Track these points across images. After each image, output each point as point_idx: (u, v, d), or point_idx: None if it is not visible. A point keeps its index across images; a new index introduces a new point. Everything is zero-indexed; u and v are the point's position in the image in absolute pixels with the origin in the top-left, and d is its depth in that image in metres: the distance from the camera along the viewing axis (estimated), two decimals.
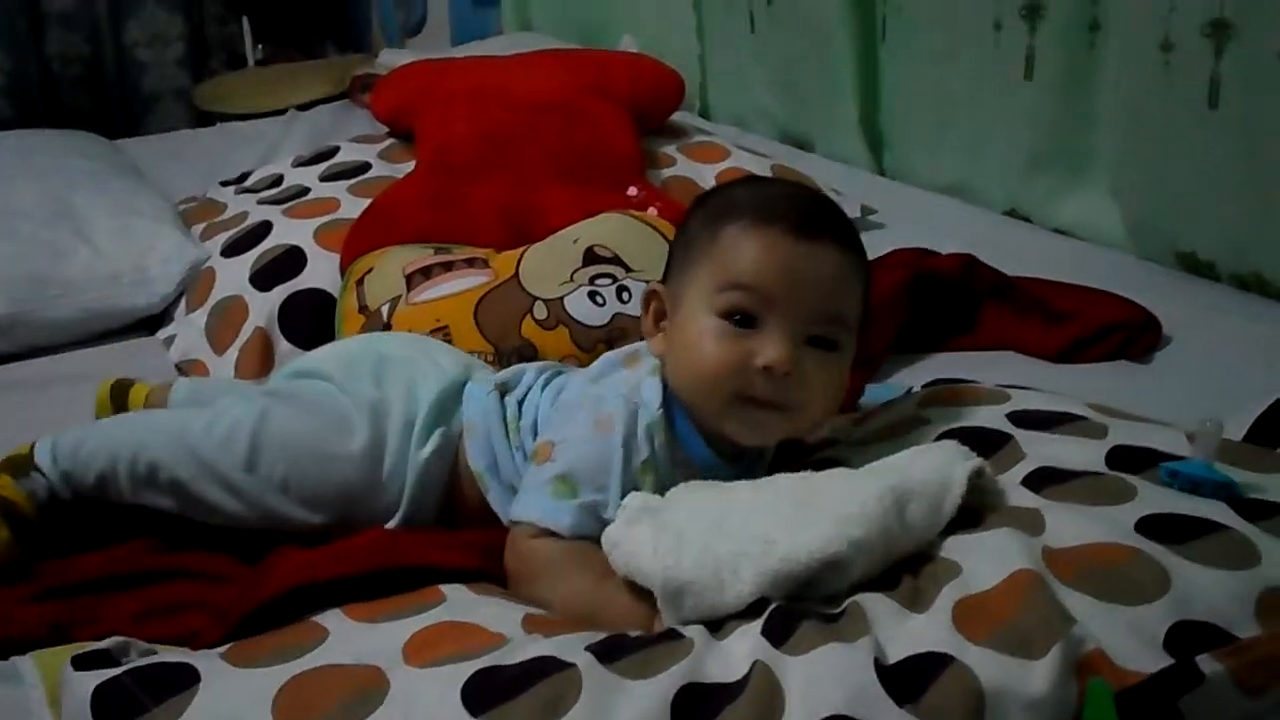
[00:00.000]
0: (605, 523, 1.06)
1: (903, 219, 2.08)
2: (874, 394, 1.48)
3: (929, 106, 2.25)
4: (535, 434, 1.18)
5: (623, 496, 1.07)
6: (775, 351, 1.06)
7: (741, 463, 1.15)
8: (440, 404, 1.24)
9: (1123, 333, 1.59)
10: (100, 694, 0.93)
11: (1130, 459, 1.07)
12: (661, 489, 1.08)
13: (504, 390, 1.24)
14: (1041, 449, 1.09)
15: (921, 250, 1.75)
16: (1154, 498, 1.00)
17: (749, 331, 1.08)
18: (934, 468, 0.99)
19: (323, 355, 1.35)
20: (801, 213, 1.10)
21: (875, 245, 1.88)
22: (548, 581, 1.05)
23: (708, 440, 1.13)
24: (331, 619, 1.02)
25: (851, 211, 2.04)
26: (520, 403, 1.22)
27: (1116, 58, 1.86)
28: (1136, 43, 1.79)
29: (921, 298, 1.64)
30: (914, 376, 1.56)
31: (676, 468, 1.11)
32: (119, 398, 1.44)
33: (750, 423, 1.10)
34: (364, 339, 1.38)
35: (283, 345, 1.67)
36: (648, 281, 1.37)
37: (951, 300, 1.66)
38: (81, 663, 0.98)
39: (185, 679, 0.94)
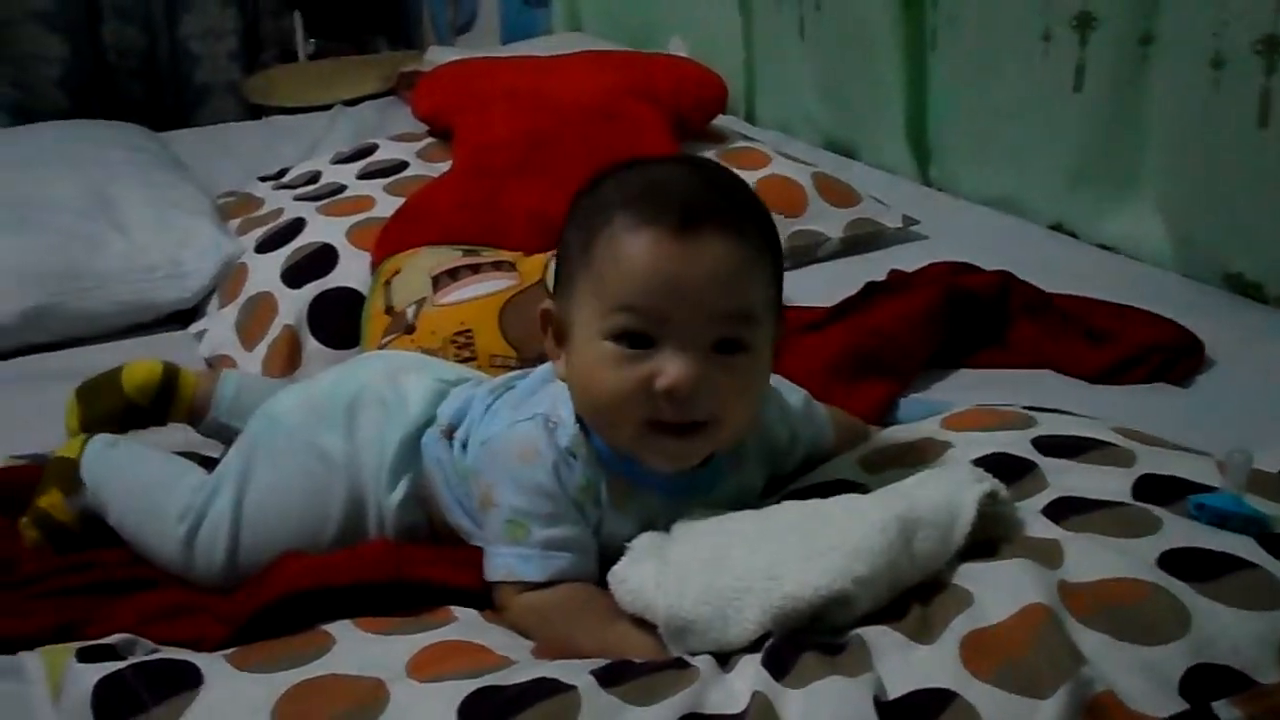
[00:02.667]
0: (579, 556, 1.03)
1: (946, 231, 2.05)
2: (907, 410, 1.46)
3: (976, 117, 2.21)
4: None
5: (577, 521, 1.03)
6: (676, 370, 0.96)
7: (703, 470, 1.07)
8: (403, 450, 1.17)
9: (1163, 354, 1.55)
10: (102, 688, 0.93)
11: (1157, 489, 1.04)
12: (610, 507, 1.04)
13: (451, 432, 1.16)
14: (1065, 478, 1.06)
15: (959, 264, 1.72)
16: (1179, 531, 0.97)
17: (645, 352, 0.98)
18: (943, 494, 0.96)
19: (295, 401, 1.26)
20: (681, 206, 0.97)
21: (917, 257, 1.88)
22: (548, 633, 1.01)
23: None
24: (339, 629, 1.01)
25: (893, 222, 2.03)
26: (464, 444, 1.14)
27: (1167, 72, 1.82)
28: (1187, 58, 1.75)
29: (956, 312, 1.61)
30: (946, 391, 1.53)
31: (615, 485, 1.05)
32: (169, 382, 1.40)
33: (665, 452, 1.01)
34: (335, 376, 1.28)
35: (310, 344, 1.67)
36: None
37: (985, 316, 1.63)
38: (86, 656, 0.98)
39: (188, 679, 0.94)
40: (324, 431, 1.20)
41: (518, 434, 1.07)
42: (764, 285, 1.02)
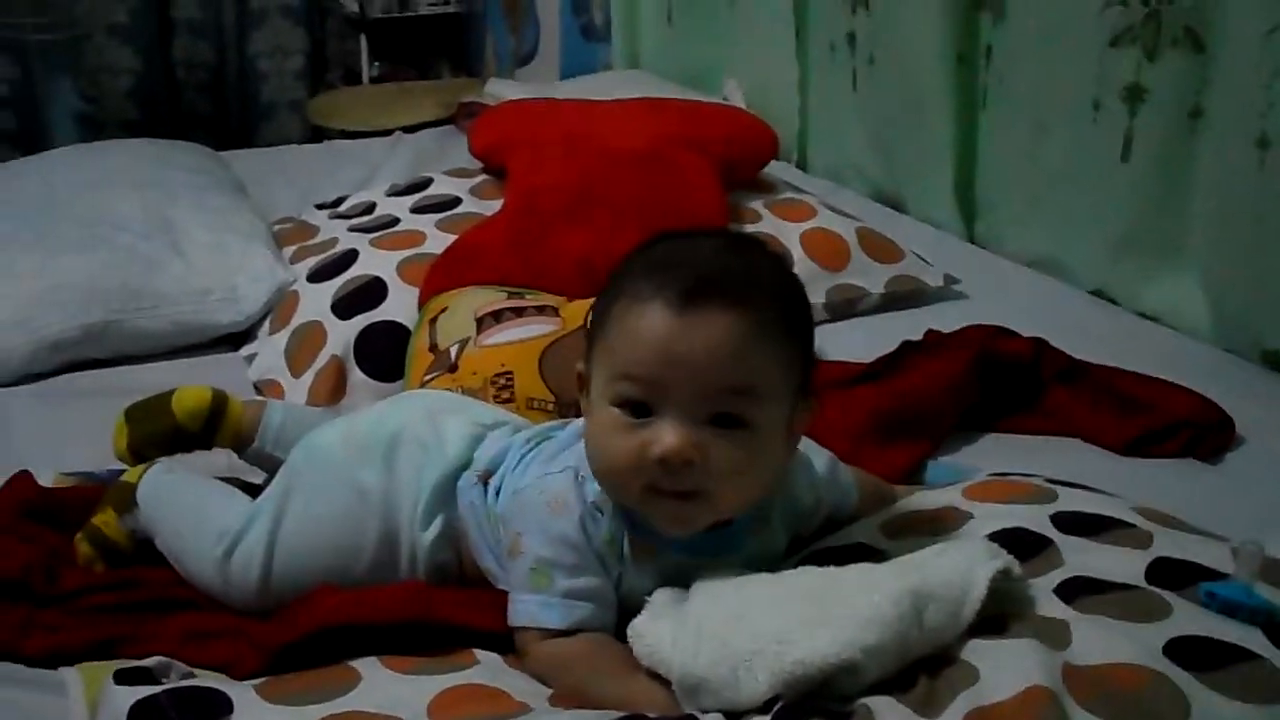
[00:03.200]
0: (600, 608, 1.06)
1: (987, 291, 2.07)
2: (934, 472, 1.48)
3: (1025, 178, 2.23)
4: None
5: (600, 573, 1.06)
6: (670, 441, 0.99)
7: (725, 530, 1.09)
8: (439, 491, 1.20)
9: (1193, 430, 1.56)
10: (137, 711, 0.97)
11: (1171, 574, 1.05)
12: (631, 563, 1.07)
13: (486, 477, 1.20)
14: (1080, 557, 1.07)
15: (994, 329, 1.73)
16: (1188, 619, 0.98)
17: (645, 420, 1.01)
18: (957, 569, 0.98)
19: (336, 437, 1.29)
20: (686, 281, 0.99)
21: (957, 316, 1.90)
22: (566, 681, 1.03)
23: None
24: (366, 665, 1.05)
25: (934, 280, 2.05)
26: (498, 491, 1.17)
27: (1214, 147, 1.83)
28: (1235, 135, 1.76)
29: (988, 376, 1.63)
30: (975, 455, 1.55)
31: (638, 544, 1.08)
32: (218, 409, 1.44)
33: (667, 515, 1.03)
34: (376, 414, 1.32)
35: (356, 375, 1.71)
36: None
37: (1018, 381, 1.64)
38: (123, 678, 1.02)
39: (219, 707, 0.97)
40: (363, 467, 1.23)
41: (548, 485, 1.10)
42: (774, 363, 1.02)
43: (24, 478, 1.41)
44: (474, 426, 1.26)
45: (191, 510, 1.30)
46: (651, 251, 1.07)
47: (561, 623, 1.05)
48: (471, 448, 1.23)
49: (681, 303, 0.99)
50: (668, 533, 1.06)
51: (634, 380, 1.01)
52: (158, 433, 1.43)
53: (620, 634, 1.05)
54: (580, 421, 1.15)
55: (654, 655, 0.99)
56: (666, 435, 1.00)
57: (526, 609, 1.07)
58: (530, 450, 1.19)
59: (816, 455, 1.22)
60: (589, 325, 1.10)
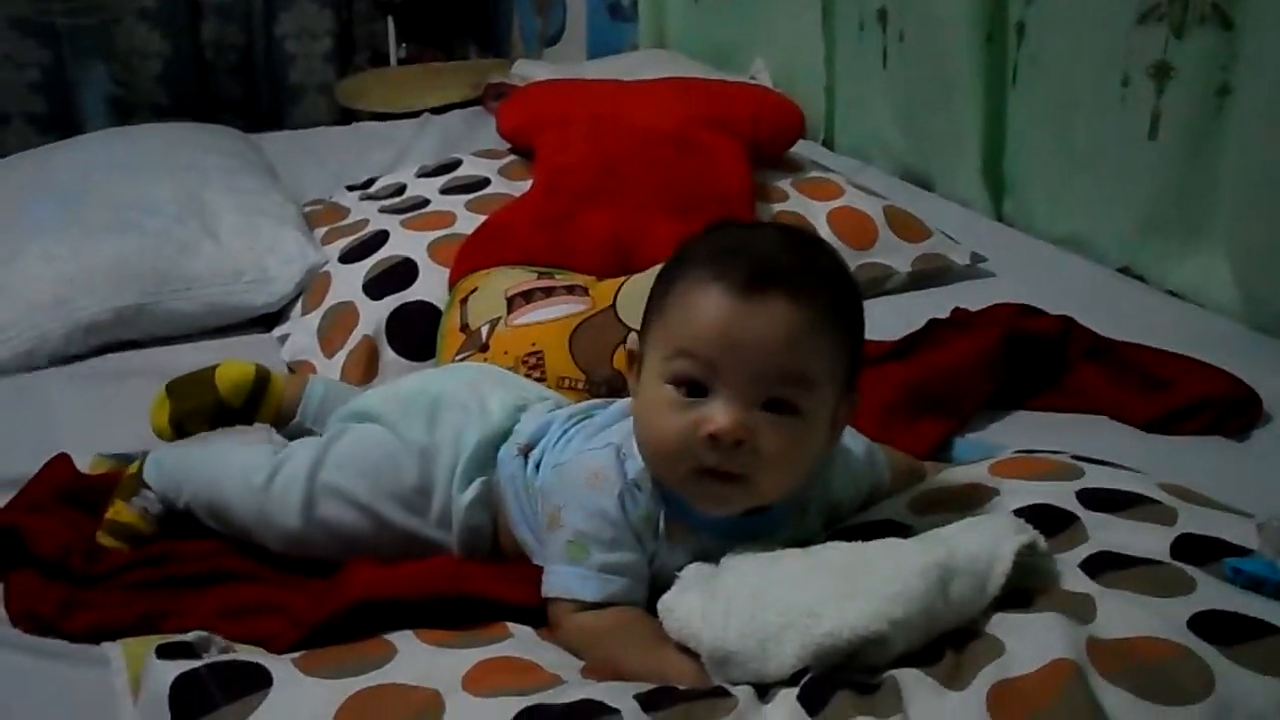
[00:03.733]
0: (633, 582, 1.08)
1: (1014, 269, 2.07)
2: (962, 450, 1.49)
3: (1053, 156, 2.23)
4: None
5: (635, 549, 1.08)
6: (722, 420, 1.01)
7: (762, 515, 1.10)
8: (479, 452, 1.23)
9: (1219, 407, 1.56)
10: (179, 684, 0.99)
11: (1196, 549, 1.06)
12: (666, 541, 1.09)
13: (527, 450, 1.22)
14: (1106, 532, 1.08)
15: (1022, 307, 1.74)
16: (1212, 593, 0.99)
17: (699, 400, 1.03)
18: (982, 543, 0.99)
19: (380, 397, 1.35)
20: (751, 268, 1.02)
21: (984, 294, 1.90)
22: (598, 654, 1.05)
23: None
24: (402, 639, 1.06)
25: (962, 259, 2.05)
26: (538, 465, 1.20)
27: (1242, 124, 1.83)
28: (1262, 112, 1.76)
29: (1016, 354, 1.63)
30: (1002, 432, 1.56)
31: (674, 523, 1.10)
32: (260, 384, 1.47)
33: (708, 495, 1.05)
34: (420, 379, 1.37)
35: (388, 355, 1.73)
36: None
37: (1045, 359, 1.65)
38: (165, 652, 1.04)
39: (259, 680, 0.99)
40: (405, 423, 1.27)
41: (589, 460, 1.12)
42: (827, 354, 1.04)
43: (62, 460, 1.44)
44: (516, 398, 1.29)
45: (220, 456, 1.33)
46: (714, 238, 1.09)
47: (596, 595, 1.07)
48: (513, 417, 1.26)
49: (746, 288, 1.02)
50: (705, 512, 1.08)
51: (692, 357, 1.03)
52: (201, 407, 1.45)
53: (652, 609, 1.07)
54: (624, 401, 1.18)
55: (684, 629, 1.01)
56: (719, 414, 1.02)
57: (562, 580, 1.09)
58: (572, 426, 1.21)
59: (855, 441, 1.23)
60: (646, 308, 1.12)
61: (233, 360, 1.50)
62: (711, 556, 1.09)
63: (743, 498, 1.06)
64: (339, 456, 1.26)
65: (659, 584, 1.09)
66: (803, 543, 1.11)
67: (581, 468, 1.12)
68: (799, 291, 1.03)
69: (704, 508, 1.07)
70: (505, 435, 1.25)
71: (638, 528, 1.09)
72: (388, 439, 1.26)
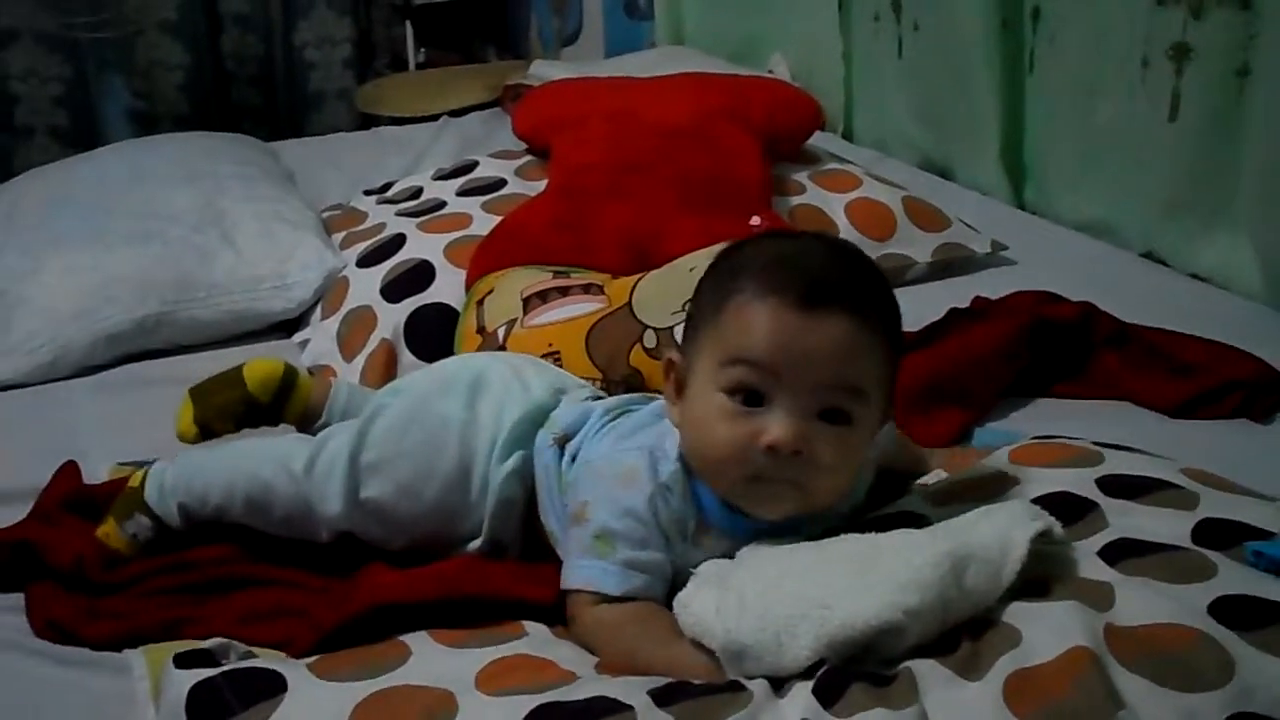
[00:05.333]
0: (655, 580, 1.08)
1: (1036, 256, 2.06)
2: (981, 438, 1.48)
3: (1073, 141, 2.21)
4: None
5: (662, 549, 1.08)
6: (781, 431, 1.03)
7: (790, 521, 1.10)
8: (520, 427, 1.24)
9: (1244, 390, 1.55)
10: (196, 692, 0.99)
11: (1217, 533, 1.05)
12: (692, 545, 1.09)
13: (564, 441, 1.22)
14: (1125, 519, 1.07)
15: (1042, 294, 1.72)
16: (1233, 578, 0.98)
17: (756, 410, 1.04)
18: (996, 531, 0.99)
19: (421, 375, 1.37)
20: (809, 281, 1.05)
21: (1005, 282, 1.89)
22: (614, 647, 1.05)
23: (730, 505, 1.10)
24: (416, 640, 1.06)
25: (982, 247, 2.04)
26: (574, 457, 1.20)
27: (1263, 105, 1.81)
28: None
29: (1037, 342, 1.62)
30: (1025, 420, 1.55)
31: (697, 525, 1.10)
32: (288, 382, 1.45)
33: (763, 498, 1.07)
34: (461, 360, 1.39)
35: (406, 357, 1.73)
36: None
37: (1067, 346, 1.64)
38: (183, 661, 1.05)
39: (274, 686, 0.99)
40: (444, 399, 1.27)
41: (622, 460, 1.13)
42: (878, 365, 1.07)
43: (69, 469, 1.45)
44: (558, 379, 1.32)
45: (252, 451, 1.33)
46: (765, 249, 1.11)
47: (618, 589, 1.07)
48: (555, 398, 1.27)
49: (808, 300, 1.04)
50: (760, 515, 1.08)
51: (751, 365, 1.04)
52: (228, 404, 1.43)
53: (668, 605, 1.06)
54: (660, 402, 1.18)
55: (699, 624, 1.01)
56: (778, 425, 1.03)
57: (584, 573, 1.09)
58: (608, 422, 1.21)
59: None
60: (691, 318, 1.13)
61: (260, 358, 1.49)
62: (726, 554, 1.09)
63: (796, 501, 1.07)
64: (379, 435, 1.26)
65: (676, 581, 1.09)
66: (825, 534, 1.10)
67: (614, 465, 1.13)
68: (857, 305, 1.05)
69: (757, 512, 1.08)
70: (546, 413, 1.25)
71: (666, 529, 1.09)
72: (427, 416, 1.26)
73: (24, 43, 3.62)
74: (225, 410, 1.43)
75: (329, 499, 1.25)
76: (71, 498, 1.38)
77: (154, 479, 1.33)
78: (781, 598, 0.97)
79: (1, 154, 3.63)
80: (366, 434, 1.27)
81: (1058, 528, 1.01)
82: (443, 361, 1.40)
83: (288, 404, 1.44)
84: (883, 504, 1.19)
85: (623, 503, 1.09)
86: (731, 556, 1.08)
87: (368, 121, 3.62)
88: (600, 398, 1.30)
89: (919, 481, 1.24)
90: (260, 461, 1.29)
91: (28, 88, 3.66)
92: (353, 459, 1.25)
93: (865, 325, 1.05)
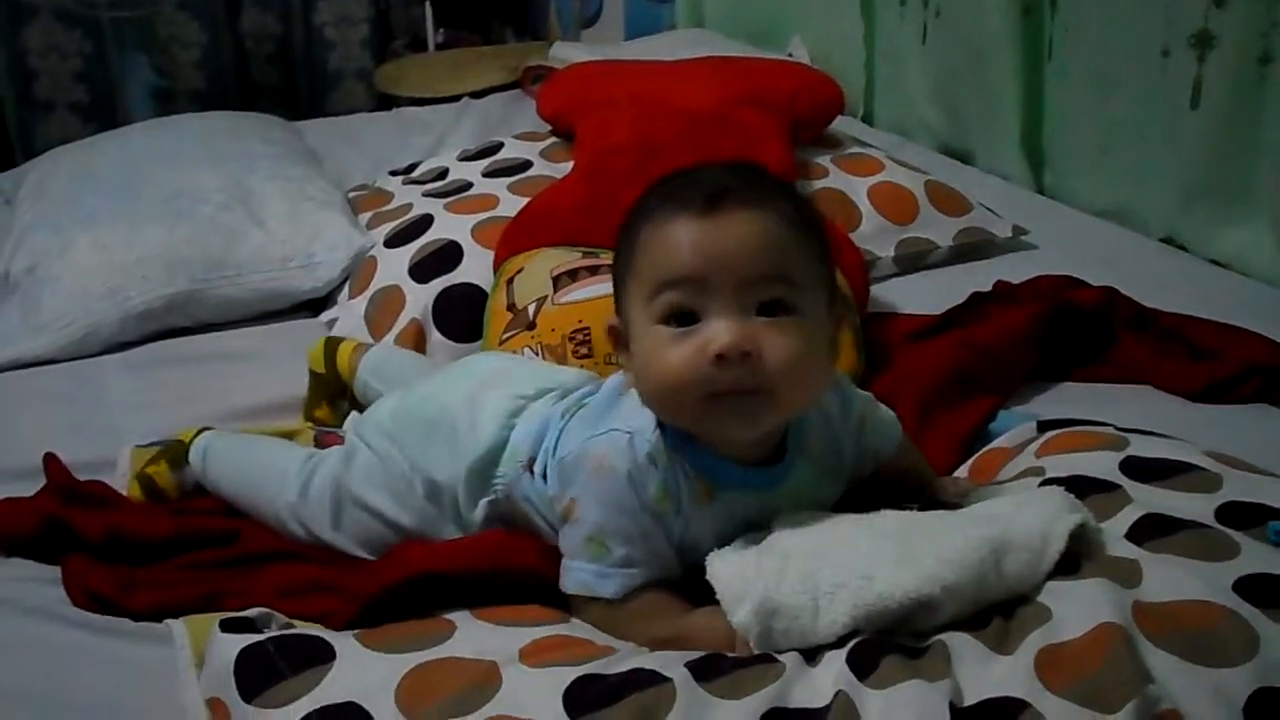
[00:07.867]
0: (654, 566, 1.07)
1: (1056, 241, 2.07)
2: (1004, 421, 1.50)
3: (1092, 128, 2.23)
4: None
5: (654, 532, 1.06)
6: (723, 335, 1.00)
7: (778, 465, 1.10)
8: (471, 481, 1.22)
9: (1265, 374, 1.56)
10: (244, 656, 1.02)
11: (1240, 514, 1.07)
12: (693, 510, 1.07)
13: (531, 465, 1.18)
14: (1149, 500, 1.09)
15: (1064, 279, 1.74)
16: (1257, 557, 1.00)
17: (694, 328, 1.02)
18: (1037, 522, 1.00)
19: (391, 407, 1.35)
20: (706, 191, 1.03)
21: (1026, 267, 1.91)
22: (625, 638, 1.05)
23: (716, 450, 1.08)
24: (460, 617, 1.08)
25: (1003, 232, 2.05)
26: (544, 473, 1.16)
27: None
28: None
29: (1059, 327, 1.64)
30: (1048, 405, 1.56)
31: (697, 486, 1.08)
32: (331, 353, 1.63)
33: (731, 415, 1.03)
34: (425, 392, 1.34)
35: (435, 336, 1.75)
36: None
37: (1089, 331, 1.65)
38: (228, 627, 1.07)
39: (323, 654, 1.01)
40: (402, 444, 1.29)
41: (592, 448, 1.09)
42: (802, 253, 1.05)
43: (53, 460, 1.49)
44: (512, 401, 1.25)
45: (258, 463, 1.41)
46: (655, 186, 1.10)
47: (617, 593, 1.07)
48: (506, 427, 1.22)
49: (706, 208, 1.03)
50: (734, 437, 1.06)
51: (674, 285, 1.03)
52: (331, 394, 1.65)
53: (690, 583, 1.07)
54: (613, 382, 1.17)
55: (734, 583, 1.00)
56: (720, 332, 1.01)
57: (581, 578, 1.08)
58: (566, 422, 1.18)
59: (852, 391, 1.21)
60: (614, 274, 1.12)
61: (327, 344, 1.65)
62: (741, 514, 1.08)
63: (766, 410, 1.04)
64: (359, 471, 1.30)
65: (688, 558, 1.08)
66: (821, 498, 1.12)
67: (586, 457, 1.09)
68: (760, 201, 1.04)
69: (730, 433, 1.05)
70: (499, 450, 1.22)
71: (654, 507, 1.07)
72: (395, 463, 1.28)
73: (44, 19, 3.64)
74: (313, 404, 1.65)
75: (321, 525, 1.32)
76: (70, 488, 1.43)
77: (198, 447, 1.44)
78: (824, 565, 0.98)
79: (22, 128, 3.66)
80: (349, 468, 1.32)
81: (1093, 519, 1.03)
82: (414, 390, 1.37)
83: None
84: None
85: (604, 493, 1.07)
86: (738, 516, 1.08)
87: (386, 102, 3.63)
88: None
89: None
90: (262, 476, 1.39)
91: (47, 63, 3.68)
92: (336, 491, 1.31)
93: (775, 215, 1.04)
